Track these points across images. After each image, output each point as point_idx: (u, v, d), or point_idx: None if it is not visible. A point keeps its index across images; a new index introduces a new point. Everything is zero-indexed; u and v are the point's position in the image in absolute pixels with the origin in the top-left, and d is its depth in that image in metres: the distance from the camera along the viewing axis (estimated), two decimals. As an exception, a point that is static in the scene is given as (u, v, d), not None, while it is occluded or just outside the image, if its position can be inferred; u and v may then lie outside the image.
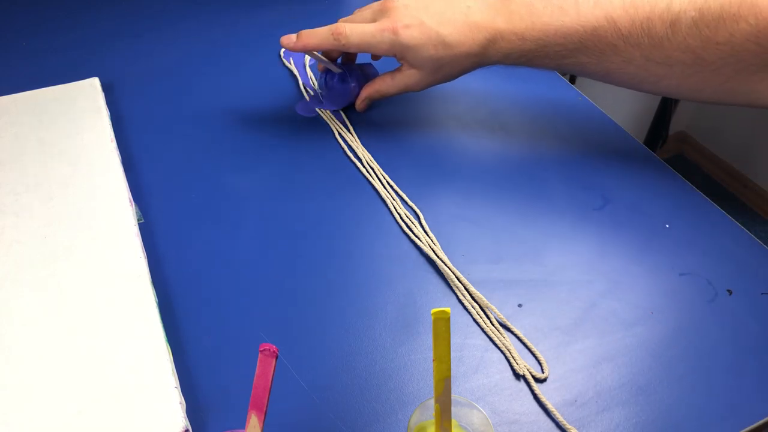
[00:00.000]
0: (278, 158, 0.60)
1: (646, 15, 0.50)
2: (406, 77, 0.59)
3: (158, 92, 0.67)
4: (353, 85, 0.63)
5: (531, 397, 0.42)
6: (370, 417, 0.41)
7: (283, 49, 0.74)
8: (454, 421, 0.37)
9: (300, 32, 0.58)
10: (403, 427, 0.40)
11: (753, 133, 1.68)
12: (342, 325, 0.46)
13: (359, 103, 0.63)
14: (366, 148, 0.60)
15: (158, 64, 0.71)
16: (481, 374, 0.43)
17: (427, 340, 0.45)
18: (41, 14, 0.79)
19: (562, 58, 0.54)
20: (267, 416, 0.39)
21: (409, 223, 0.53)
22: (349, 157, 0.60)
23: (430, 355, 0.44)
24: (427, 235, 0.52)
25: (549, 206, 0.55)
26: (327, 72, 0.64)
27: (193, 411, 0.40)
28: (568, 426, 0.40)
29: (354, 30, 0.56)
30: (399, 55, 0.57)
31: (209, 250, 0.51)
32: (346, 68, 0.63)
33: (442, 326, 0.33)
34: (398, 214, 0.54)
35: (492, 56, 0.56)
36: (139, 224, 0.51)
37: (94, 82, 0.63)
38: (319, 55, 0.61)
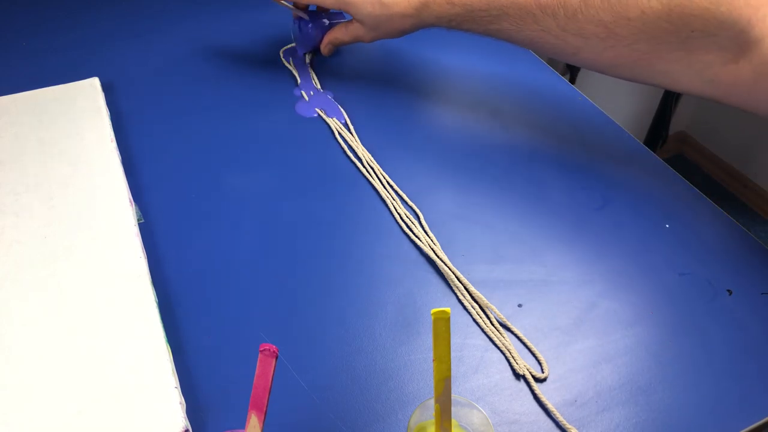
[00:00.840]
0: (278, 158, 0.60)
1: None
2: (355, 29, 0.66)
3: (158, 92, 0.67)
4: (318, 31, 0.70)
5: (531, 397, 0.42)
6: (370, 417, 0.41)
7: (282, 50, 0.74)
8: (454, 421, 0.37)
9: None
10: (403, 427, 0.40)
11: (753, 133, 1.68)
12: (342, 325, 0.46)
13: (323, 48, 0.70)
14: (366, 148, 0.60)
15: (158, 64, 0.71)
16: (481, 374, 0.43)
17: (427, 340, 0.45)
18: (41, 14, 0.79)
19: (487, 23, 0.58)
20: (267, 416, 0.39)
21: (409, 223, 0.53)
22: (349, 157, 0.60)
23: (430, 355, 0.44)
24: (427, 235, 0.52)
25: (549, 206, 0.55)
26: (299, 20, 0.71)
27: (193, 411, 0.40)
28: (568, 426, 0.40)
29: None
30: (344, 9, 0.64)
31: (209, 250, 0.51)
32: (312, 16, 0.70)
33: (442, 326, 0.33)
34: (398, 213, 0.54)
35: (426, 19, 0.61)
36: (139, 224, 0.51)
37: (94, 82, 0.63)
38: (289, 5, 0.69)
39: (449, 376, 0.34)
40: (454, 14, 0.59)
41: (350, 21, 0.66)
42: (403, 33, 0.64)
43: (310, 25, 0.70)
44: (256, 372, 0.33)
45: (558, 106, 0.67)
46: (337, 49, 0.72)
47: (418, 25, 0.63)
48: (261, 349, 0.32)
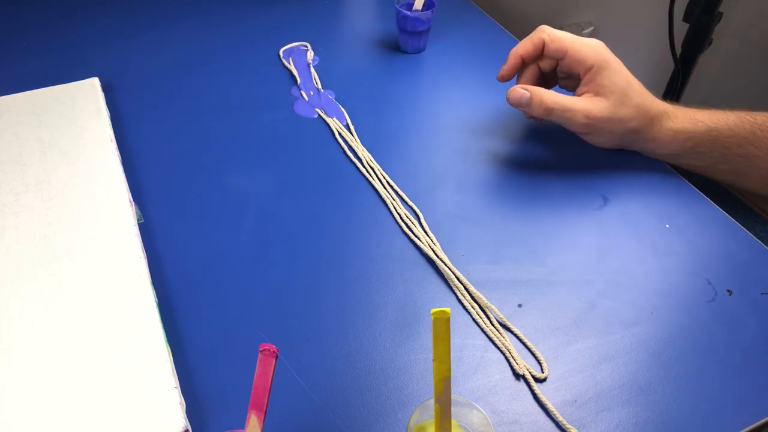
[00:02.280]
0: (278, 158, 0.60)
1: None
2: (588, 101, 0.55)
3: (158, 92, 0.67)
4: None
5: (531, 397, 0.42)
6: (370, 417, 0.41)
7: (282, 49, 0.74)
8: (454, 421, 0.38)
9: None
10: (403, 427, 0.40)
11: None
12: (342, 325, 0.46)
13: (518, 91, 0.56)
14: (366, 148, 0.60)
15: (158, 64, 0.71)
16: (481, 374, 0.43)
17: (426, 340, 0.45)
18: (41, 14, 0.79)
19: (730, 146, 0.53)
20: (267, 416, 0.39)
21: (409, 223, 0.53)
22: (349, 157, 0.60)
23: (430, 355, 0.44)
24: (427, 235, 0.52)
25: (549, 206, 0.55)
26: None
27: (193, 411, 0.40)
28: (568, 426, 0.40)
29: (561, 32, 0.57)
30: (596, 67, 0.54)
31: (209, 250, 0.51)
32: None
33: (442, 326, 0.33)
34: (398, 214, 0.54)
35: (662, 132, 0.55)
36: (139, 224, 0.51)
37: (94, 82, 0.63)
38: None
39: (449, 376, 0.34)
40: (696, 132, 0.53)
41: (579, 94, 0.56)
42: (625, 135, 0.56)
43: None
44: (256, 372, 0.33)
45: (558, 106, 0.67)
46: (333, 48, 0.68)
47: (643, 134, 0.55)
48: (261, 349, 0.32)
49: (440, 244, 0.51)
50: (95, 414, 0.38)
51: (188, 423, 0.38)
